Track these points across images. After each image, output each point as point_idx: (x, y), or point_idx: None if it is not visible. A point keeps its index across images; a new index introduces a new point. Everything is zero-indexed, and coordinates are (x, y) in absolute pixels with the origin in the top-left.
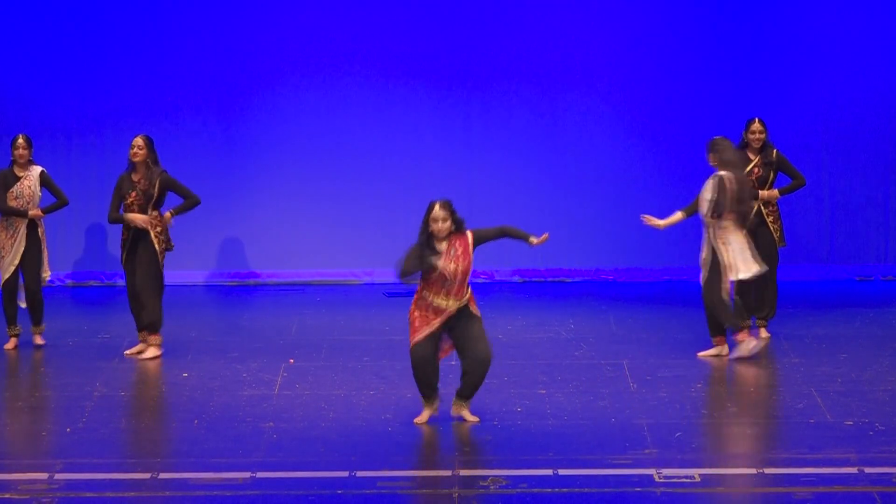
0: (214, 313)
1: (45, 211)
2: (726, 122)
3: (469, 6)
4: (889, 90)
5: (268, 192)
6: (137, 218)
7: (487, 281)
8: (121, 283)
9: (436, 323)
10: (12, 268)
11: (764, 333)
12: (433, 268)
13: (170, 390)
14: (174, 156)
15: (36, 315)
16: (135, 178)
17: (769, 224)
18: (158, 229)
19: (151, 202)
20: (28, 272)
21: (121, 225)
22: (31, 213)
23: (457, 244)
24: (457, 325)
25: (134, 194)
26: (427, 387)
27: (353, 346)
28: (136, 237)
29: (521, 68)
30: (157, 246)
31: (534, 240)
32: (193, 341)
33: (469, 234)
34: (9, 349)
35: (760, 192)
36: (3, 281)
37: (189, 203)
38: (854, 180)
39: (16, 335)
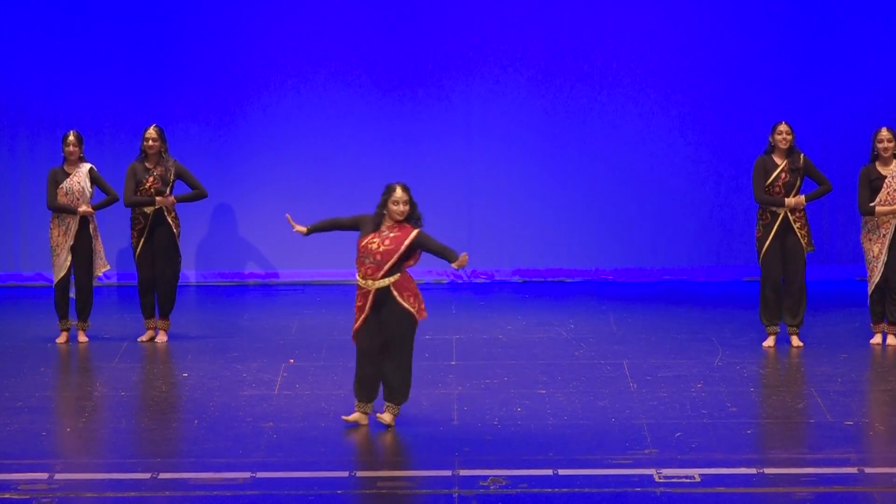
0: (214, 313)
1: (96, 207)
2: (725, 121)
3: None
4: (888, 90)
5: (268, 192)
6: (163, 199)
7: (487, 281)
8: (116, 283)
9: (365, 308)
10: (67, 265)
11: (796, 342)
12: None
13: (170, 390)
14: (173, 154)
15: (83, 311)
16: (148, 165)
17: (796, 230)
18: (173, 213)
19: (169, 187)
20: (78, 268)
21: (129, 219)
22: (80, 210)
23: (396, 230)
24: (385, 320)
25: (151, 179)
26: (365, 389)
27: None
28: (153, 224)
29: (521, 69)
30: (175, 229)
31: (455, 265)
32: (193, 341)
33: (415, 232)
34: (60, 343)
35: (787, 198)
36: (57, 279)
37: (196, 193)
38: (854, 180)
39: (66, 329)
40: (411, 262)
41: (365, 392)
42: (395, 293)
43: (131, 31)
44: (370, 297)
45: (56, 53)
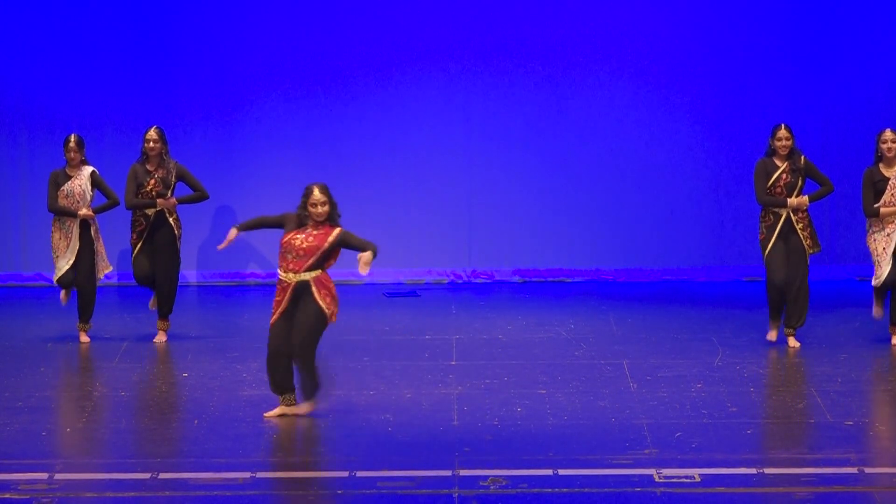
0: (214, 313)
1: (96, 211)
2: (726, 121)
3: None
4: (888, 90)
5: (269, 193)
6: (164, 201)
7: (487, 281)
8: (116, 283)
9: (283, 301)
10: (66, 267)
11: (793, 342)
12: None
13: (170, 390)
14: (174, 156)
15: (85, 313)
16: (150, 167)
17: (799, 231)
18: (175, 215)
19: (171, 189)
20: (80, 271)
21: (130, 217)
22: (80, 213)
23: (320, 228)
24: (298, 314)
25: (153, 182)
26: (276, 381)
27: (353, 346)
28: (154, 226)
29: (522, 68)
30: (176, 231)
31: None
32: (193, 341)
33: (337, 230)
34: (62, 296)
35: (789, 199)
36: (55, 278)
37: (197, 195)
38: (853, 180)
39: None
40: (331, 262)
41: (282, 388)
42: (314, 289)
43: (132, 32)
44: (289, 290)
45: (57, 54)
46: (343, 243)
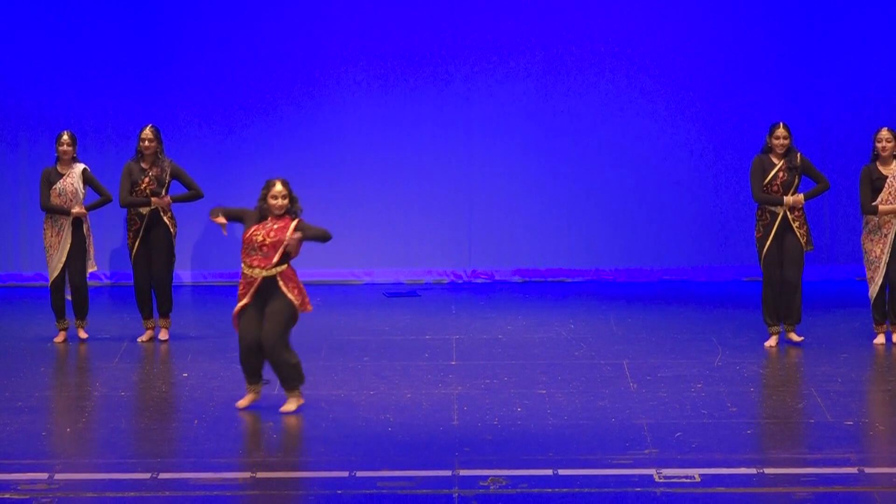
0: (214, 313)
1: (89, 208)
2: (726, 121)
3: None
4: (887, 90)
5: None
6: (158, 199)
7: (487, 281)
8: (111, 283)
9: (247, 296)
10: (60, 265)
11: (795, 337)
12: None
13: (170, 390)
14: (174, 156)
15: (80, 310)
16: (144, 165)
17: (795, 229)
18: (169, 214)
19: (165, 188)
20: (72, 268)
21: (125, 217)
22: (73, 211)
23: (279, 222)
24: (268, 309)
25: (147, 180)
26: (249, 369)
27: (353, 346)
28: (149, 224)
29: (522, 68)
30: (171, 229)
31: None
32: (193, 341)
33: (294, 221)
34: (58, 342)
35: (785, 197)
36: (51, 279)
37: (192, 194)
38: (853, 180)
39: (64, 329)
40: (293, 254)
41: (251, 375)
42: (281, 283)
43: (130, 32)
44: (254, 285)
45: (56, 54)
46: (300, 232)
